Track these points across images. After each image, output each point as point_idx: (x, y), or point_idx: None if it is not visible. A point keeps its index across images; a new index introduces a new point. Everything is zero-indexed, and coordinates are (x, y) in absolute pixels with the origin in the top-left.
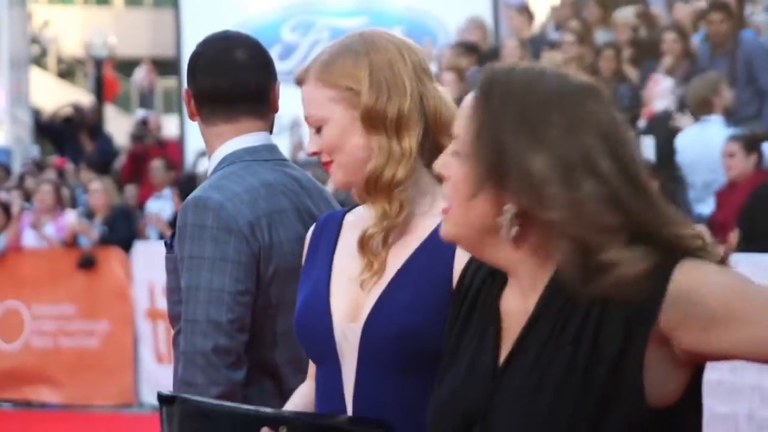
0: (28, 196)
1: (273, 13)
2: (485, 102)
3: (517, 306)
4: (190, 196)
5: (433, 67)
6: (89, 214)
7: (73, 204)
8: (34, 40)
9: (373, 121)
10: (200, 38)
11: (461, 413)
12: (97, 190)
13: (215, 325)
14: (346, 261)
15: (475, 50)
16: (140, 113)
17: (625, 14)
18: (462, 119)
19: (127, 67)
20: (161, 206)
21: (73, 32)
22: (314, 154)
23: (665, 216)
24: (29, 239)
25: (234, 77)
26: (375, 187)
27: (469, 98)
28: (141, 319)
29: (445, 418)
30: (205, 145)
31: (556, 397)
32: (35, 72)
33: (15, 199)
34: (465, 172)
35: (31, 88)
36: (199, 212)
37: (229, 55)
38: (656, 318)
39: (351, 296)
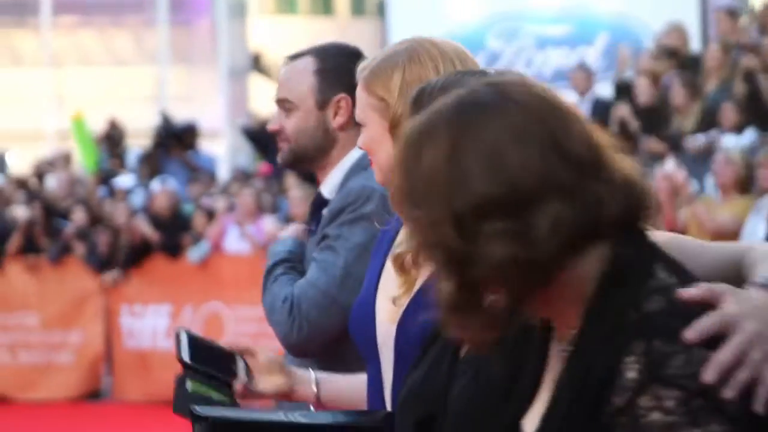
0: (232, 203)
1: (478, 21)
2: (414, 110)
3: None
4: (353, 184)
5: (630, 73)
6: (288, 220)
7: (275, 210)
8: (255, 51)
9: (399, 134)
10: None
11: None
12: (297, 197)
13: (334, 304)
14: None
15: (675, 55)
16: None
17: None
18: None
19: None
20: None
21: (296, 42)
22: None
23: None
24: (231, 244)
25: None
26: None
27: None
28: None
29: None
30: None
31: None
32: (258, 81)
33: (219, 205)
34: None
35: (251, 97)
36: (361, 200)
37: None
38: None
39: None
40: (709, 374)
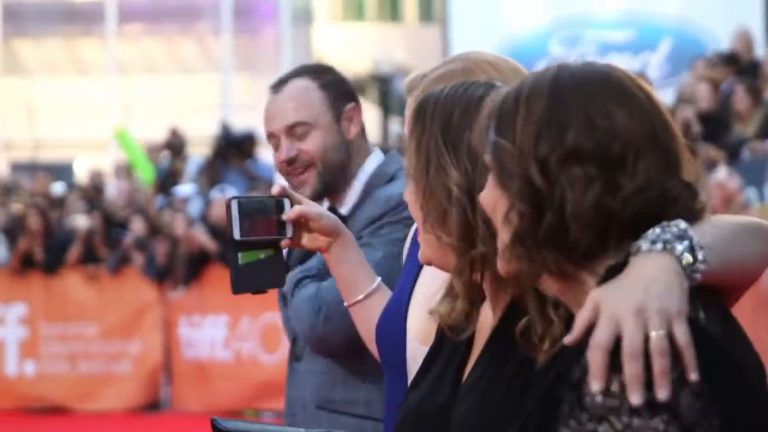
0: None
1: (540, 27)
2: (417, 121)
3: (488, 321)
4: (392, 191)
5: (687, 77)
6: None
7: None
8: (319, 58)
9: None
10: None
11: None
12: None
13: None
14: (428, 276)
15: (734, 62)
16: None
17: None
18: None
19: None
20: None
21: (363, 48)
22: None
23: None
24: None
25: None
26: None
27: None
28: None
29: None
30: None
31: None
32: None
33: None
34: (411, 193)
35: None
36: (401, 208)
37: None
38: None
39: (426, 315)
40: (593, 385)
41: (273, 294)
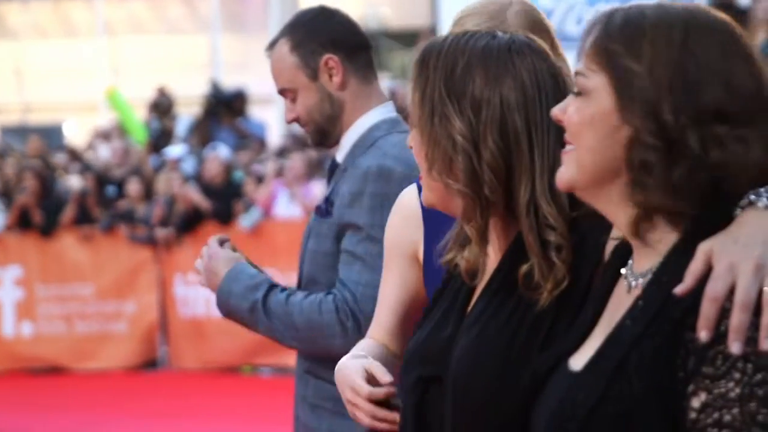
0: (281, 167)
1: None
2: (421, 72)
3: (490, 262)
4: (368, 164)
5: None
6: None
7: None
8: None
9: None
10: (457, 7)
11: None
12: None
13: None
14: None
15: (728, 8)
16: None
17: None
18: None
19: (405, 38)
20: None
21: (350, 6)
22: None
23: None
24: (281, 209)
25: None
26: None
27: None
28: None
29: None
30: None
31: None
32: None
33: (269, 171)
34: (417, 141)
35: None
36: (381, 181)
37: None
38: None
39: None
40: (702, 335)
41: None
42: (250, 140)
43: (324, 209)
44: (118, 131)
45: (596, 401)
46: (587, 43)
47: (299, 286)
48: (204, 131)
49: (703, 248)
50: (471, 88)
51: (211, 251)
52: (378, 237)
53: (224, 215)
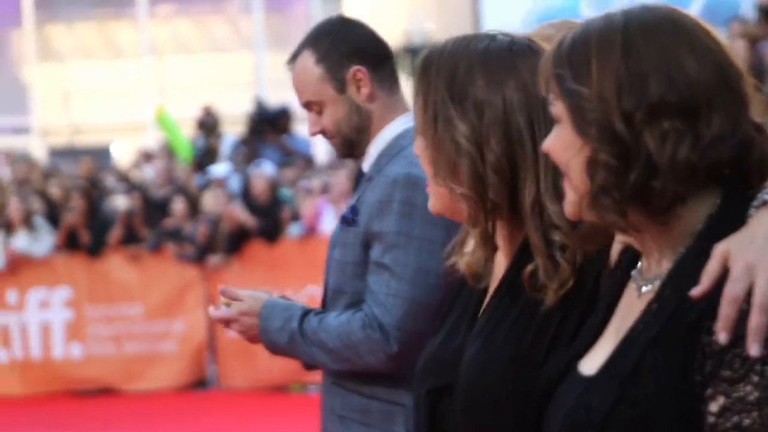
0: (327, 184)
1: None
2: (423, 78)
3: (501, 269)
4: (396, 172)
5: (725, 34)
6: None
7: None
8: None
9: None
10: (500, 21)
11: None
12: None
13: (420, 306)
14: None
15: None
16: None
17: None
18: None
19: None
20: None
21: (395, 21)
22: None
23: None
24: (328, 226)
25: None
26: None
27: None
28: None
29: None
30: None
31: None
32: None
33: (315, 187)
34: (421, 148)
35: None
36: (409, 190)
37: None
38: None
39: None
40: (721, 337)
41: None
42: (295, 157)
43: (350, 218)
44: (164, 151)
45: (612, 405)
46: (545, 73)
47: (324, 298)
48: (249, 149)
49: (720, 249)
50: (473, 91)
51: (239, 309)
52: (406, 245)
53: (271, 232)
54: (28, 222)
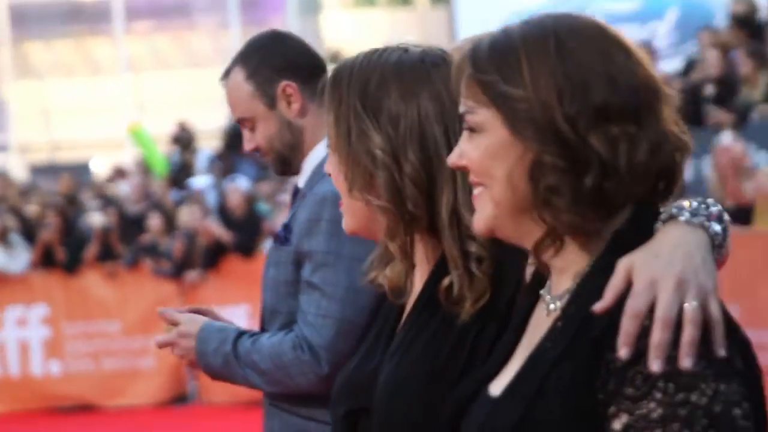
0: None
1: (546, 1)
2: (334, 93)
3: (417, 284)
4: (325, 190)
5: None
6: None
7: None
8: (333, 46)
9: None
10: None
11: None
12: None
13: (351, 326)
14: None
15: (746, 25)
16: None
17: None
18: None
19: None
20: None
21: (375, 35)
22: None
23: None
24: None
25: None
26: None
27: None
28: None
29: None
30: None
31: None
32: None
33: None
34: (334, 165)
35: None
36: (338, 208)
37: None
38: None
39: None
40: (623, 352)
41: None
42: (271, 170)
43: (282, 237)
44: (139, 167)
45: (515, 426)
46: (462, 82)
47: (262, 318)
48: (226, 163)
49: (624, 263)
50: (387, 103)
51: (178, 332)
52: (335, 264)
53: (247, 247)
54: (4, 239)
